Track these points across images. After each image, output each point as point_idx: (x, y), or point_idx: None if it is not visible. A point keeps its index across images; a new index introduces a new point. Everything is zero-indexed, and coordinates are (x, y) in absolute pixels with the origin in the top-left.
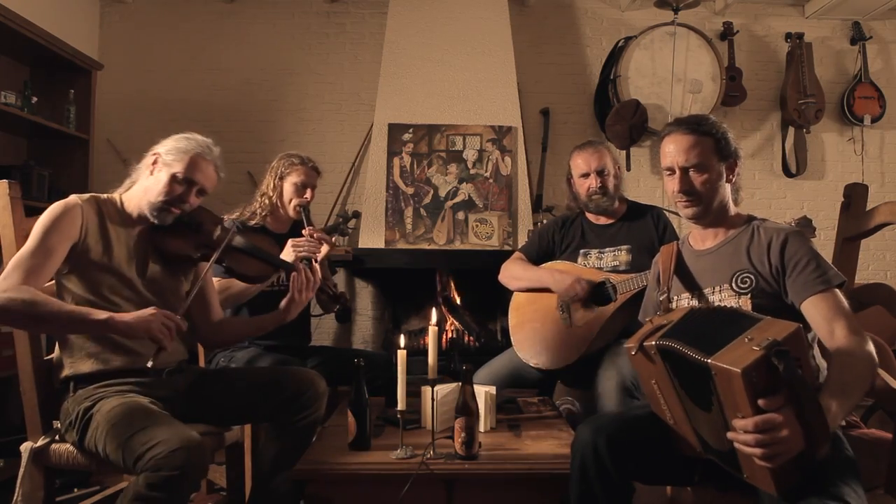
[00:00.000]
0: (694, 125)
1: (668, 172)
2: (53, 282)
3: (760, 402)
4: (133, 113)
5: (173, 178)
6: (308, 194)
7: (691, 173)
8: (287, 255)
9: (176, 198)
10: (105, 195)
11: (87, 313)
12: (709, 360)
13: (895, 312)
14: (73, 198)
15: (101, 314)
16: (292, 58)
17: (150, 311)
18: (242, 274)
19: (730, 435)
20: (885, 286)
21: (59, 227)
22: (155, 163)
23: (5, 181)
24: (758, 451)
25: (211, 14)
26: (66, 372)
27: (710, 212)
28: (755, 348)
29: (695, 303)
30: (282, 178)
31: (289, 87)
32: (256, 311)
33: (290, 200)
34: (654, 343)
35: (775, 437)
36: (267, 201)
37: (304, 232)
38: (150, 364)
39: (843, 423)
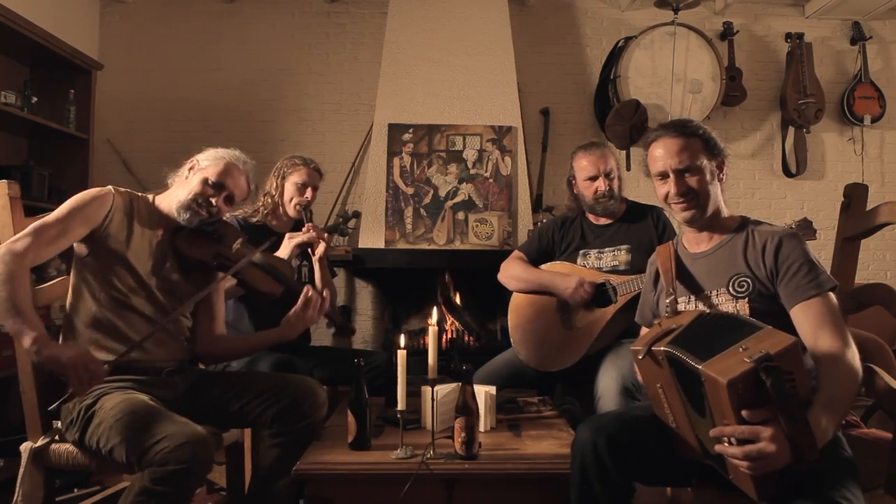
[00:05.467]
0: (680, 128)
1: (660, 178)
2: (72, 273)
3: (744, 413)
4: (133, 113)
5: (205, 181)
6: (308, 194)
7: (686, 176)
8: (285, 246)
9: (204, 199)
10: (141, 193)
11: (26, 314)
12: (700, 367)
13: (895, 312)
14: (109, 187)
15: (38, 327)
16: (292, 58)
17: (78, 351)
18: (255, 288)
19: (717, 447)
20: (885, 286)
21: (84, 210)
22: (192, 168)
23: (5, 181)
24: (744, 463)
25: (211, 14)
26: None
27: (706, 212)
28: (746, 360)
29: (692, 306)
30: (284, 178)
31: (289, 87)
32: (259, 312)
33: (291, 199)
34: (662, 349)
35: (762, 451)
36: (269, 200)
37: (302, 228)
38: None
39: (843, 422)
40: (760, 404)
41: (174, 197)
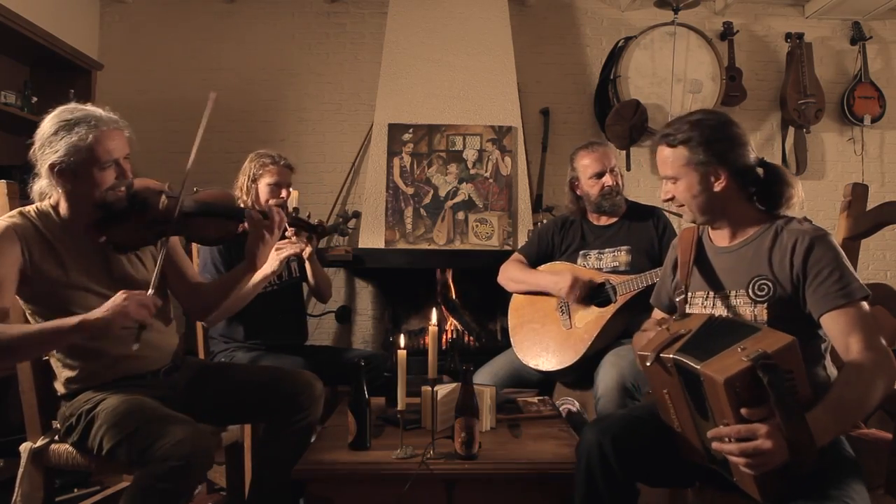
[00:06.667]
0: (669, 137)
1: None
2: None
3: (743, 411)
4: (133, 113)
5: (98, 167)
6: (284, 193)
7: (670, 184)
8: (273, 260)
9: (115, 181)
10: (31, 208)
11: (57, 325)
12: (699, 367)
13: (895, 312)
14: (1, 220)
15: (72, 320)
16: (292, 58)
17: (119, 296)
18: (203, 238)
19: (714, 445)
20: (885, 286)
21: (1, 252)
22: (62, 175)
23: (4, 181)
24: (741, 459)
25: (211, 14)
26: (61, 389)
27: (705, 217)
28: (743, 359)
29: (710, 303)
30: (255, 181)
31: (289, 87)
32: (255, 312)
33: (267, 202)
34: (672, 356)
35: (758, 448)
36: (241, 204)
37: (286, 234)
38: (135, 347)
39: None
40: (759, 403)
41: (80, 203)
